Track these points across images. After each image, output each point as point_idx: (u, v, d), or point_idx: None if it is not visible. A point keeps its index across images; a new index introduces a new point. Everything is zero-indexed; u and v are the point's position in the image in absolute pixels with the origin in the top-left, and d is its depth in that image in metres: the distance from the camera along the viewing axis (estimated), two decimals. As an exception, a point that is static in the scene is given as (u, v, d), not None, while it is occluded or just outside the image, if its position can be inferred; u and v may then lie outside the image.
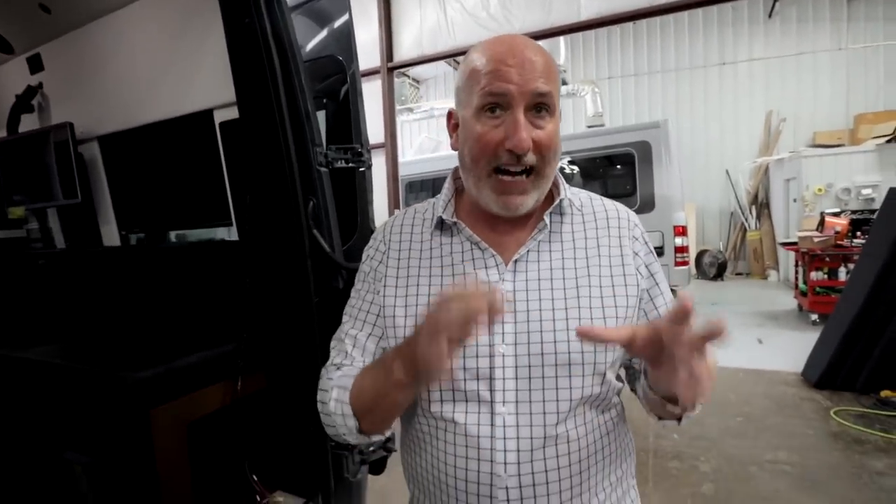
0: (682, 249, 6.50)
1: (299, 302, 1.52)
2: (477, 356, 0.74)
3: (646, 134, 6.65)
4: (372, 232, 1.77)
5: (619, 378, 0.83)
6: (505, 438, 0.73)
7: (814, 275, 6.10)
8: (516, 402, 0.73)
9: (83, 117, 2.36)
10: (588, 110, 9.09)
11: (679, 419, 0.74)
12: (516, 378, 0.74)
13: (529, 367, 0.73)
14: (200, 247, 2.33)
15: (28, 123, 2.57)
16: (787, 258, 8.66)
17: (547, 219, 0.79)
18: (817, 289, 6.07)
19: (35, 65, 2.48)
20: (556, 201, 0.81)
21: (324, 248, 1.49)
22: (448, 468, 0.76)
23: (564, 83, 9.29)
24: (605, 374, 0.76)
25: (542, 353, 0.73)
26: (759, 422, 3.60)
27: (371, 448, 1.65)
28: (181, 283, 2.09)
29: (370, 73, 6.71)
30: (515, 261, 0.78)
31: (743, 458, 3.11)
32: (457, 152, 0.82)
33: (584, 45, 11.39)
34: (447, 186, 0.88)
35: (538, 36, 6.19)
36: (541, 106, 0.73)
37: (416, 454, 0.83)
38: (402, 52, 6.94)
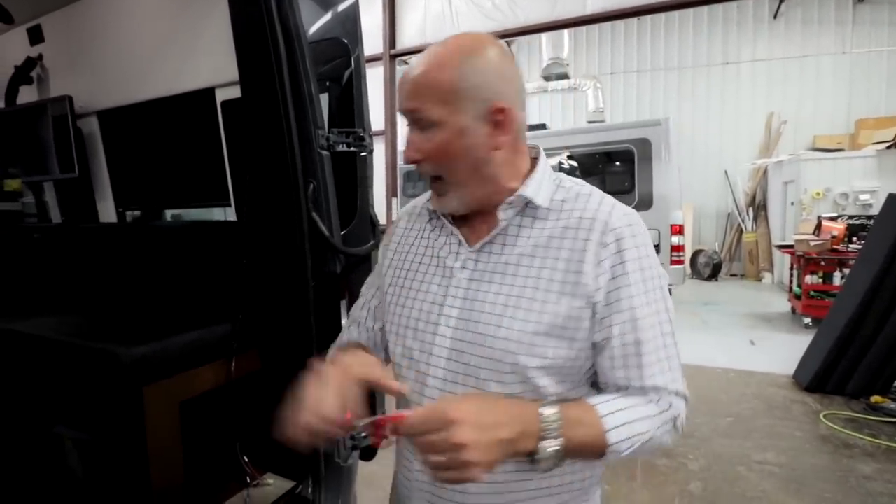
0: (677, 248, 6.51)
1: (296, 285, 1.51)
2: (425, 331, 0.82)
3: (646, 131, 6.63)
4: (371, 217, 1.77)
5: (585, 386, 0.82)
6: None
7: (808, 278, 6.13)
8: (444, 380, 0.80)
9: (83, 91, 2.33)
10: (589, 105, 9.06)
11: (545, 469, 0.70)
12: (448, 359, 0.79)
13: (461, 352, 0.78)
14: (198, 226, 2.31)
15: (27, 95, 2.53)
16: (783, 261, 8.70)
17: (502, 214, 0.80)
18: (811, 292, 6.10)
19: (35, 36, 2.45)
20: (513, 198, 0.79)
21: (322, 232, 1.48)
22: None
23: (566, 77, 9.25)
24: (534, 381, 0.75)
25: (474, 344, 0.77)
26: (749, 422, 3.64)
27: (363, 434, 1.65)
28: (177, 261, 2.07)
29: (372, 59, 6.66)
30: (477, 250, 0.82)
31: (731, 457, 3.14)
32: None
33: (588, 39, 11.33)
34: None
35: (542, 29, 6.16)
36: (417, 122, 0.78)
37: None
38: (405, 39, 6.89)
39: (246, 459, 1.64)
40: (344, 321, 1.57)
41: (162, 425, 1.49)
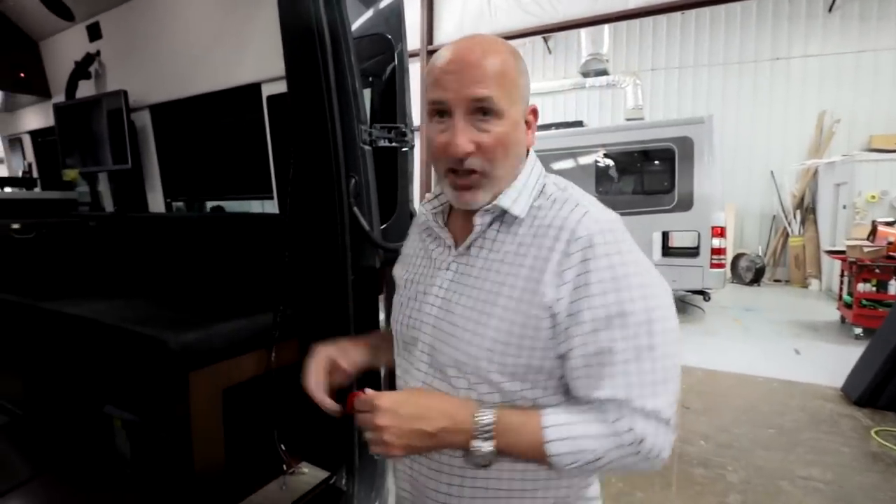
0: (718, 251, 6.31)
1: (335, 278, 1.53)
2: (411, 327, 0.86)
3: (688, 129, 6.44)
4: (410, 212, 1.78)
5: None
6: None
7: (861, 286, 5.83)
8: (426, 374, 0.83)
9: (137, 85, 2.42)
10: (628, 102, 8.86)
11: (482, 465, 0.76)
12: (430, 355, 0.83)
13: (437, 351, 0.81)
14: (243, 218, 2.37)
15: (85, 90, 2.65)
16: (832, 267, 8.31)
17: (478, 220, 0.80)
18: (864, 301, 5.80)
19: (94, 32, 2.56)
20: (490, 206, 0.79)
21: (363, 226, 1.49)
22: None
23: (605, 73, 9.07)
24: (500, 385, 0.76)
25: (446, 344, 0.80)
26: (793, 435, 3.49)
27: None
28: (223, 252, 2.13)
29: (409, 55, 6.69)
30: (458, 255, 0.84)
31: (773, 471, 3.02)
32: None
33: (629, 34, 11.06)
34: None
35: (582, 24, 6.04)
36: (483, 110, 0.74)
37: None
38: (443, 35, 6.88)
39: (283, 448, 1.68)
40: (381, 315, 1.59)
41: (206, 410, 1.54)
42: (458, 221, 0.87)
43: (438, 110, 0.76)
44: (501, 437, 0.71)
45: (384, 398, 0.73)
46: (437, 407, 0.74)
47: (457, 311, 0.79)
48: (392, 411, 0.72)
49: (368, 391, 0.76)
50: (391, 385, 0.95)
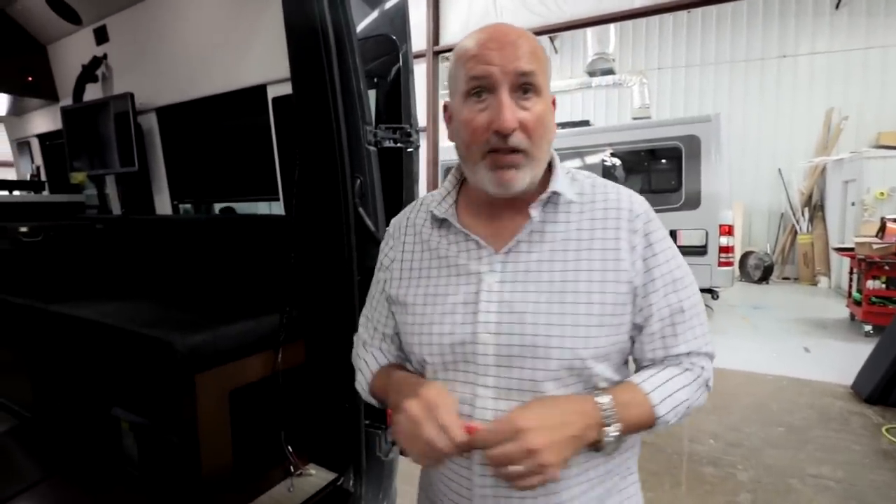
0: (726, 249, 6.27)
1: (341, 279, 1.53)
2: (463, 342, 0.78)
3: (695, 128, 6.41)
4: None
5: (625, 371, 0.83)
6: (484, 420, 0.76)
7: (870, 283, 5.78)
8: (497, 387, 0.76)
9: (143, 88, 2.44)
10: (634, 102, 8.82)
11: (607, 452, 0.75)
12: (498, 366, 0.76)
13: (510, 356, 0.75)
14: (248, 220, 2.38)
15: (92, 93, 2.67)
16: (841, 264, 8.24)
17: (534, 212, 0.78)
18: (873, 298, 5.75)
19: (101, 36, 2.58)
20: (543, 195, 0.78)
21: (368, 227, 1.49)
22: None
23: (612, 73, 9.04)
24: (588, 372, 0.76)
25: (522, 345, 0.75)
26: (803, 433, 3.46)
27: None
28: (229, 253, 2.14)
29: (415, 55, 6.68)
30: (506, 252, 0.79)
31: (783, 469, 3.00)
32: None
33: (635, 33, 11.02)
34: (449, 179, 0.89)
35: (588, 23, 6.02)
36: (526, 87, 0.73)
37: None
38: (449, 35, 6.88)
39: (290, 449, 1.68)
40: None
41: (212, 412, 1.54)
42: (478, 216, 0.83)
43: (479, 88, 0.73)
44: (623, 415, 0.71)
45: (524, 418, 0.66)
46: (567, 407, 0.70)
47: (527, 308, 0.75)
48: (542, 427, 0.65)
49: (478, 423, 0.69)
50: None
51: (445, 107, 0.83)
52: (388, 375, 0.89)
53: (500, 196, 0.77)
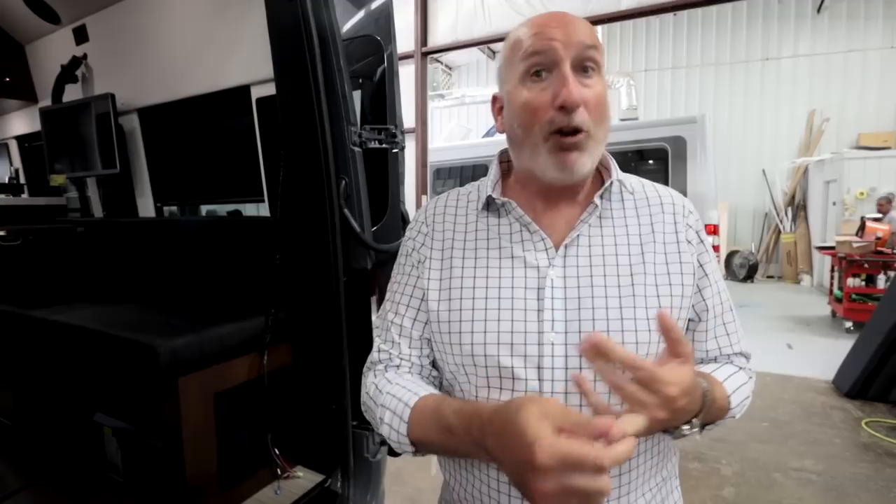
0: (712, 249, 6.36)
1: (327, 280, 1.53)
2: (525, 343, 0.70)
3: (681, 129, 6.48)
4: (402, 214, 1.77)
5: None
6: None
7: (850, 281, 5.89)
8: (565, 392, 0.69)
9: (124, 89, 2.41)
10: (622, 103, 8.89)
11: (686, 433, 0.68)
12: (566, 368, 0.69)
13: (580, 356, 0.68)
14: (233, 221, 2.36)
15: (72, 93, 2.63)
16: (823, 263, 8.39)
17: (598, 200, 0.74)
18: (853, 296, 5.86)
19: (80, 35, 2.54)
20: (608, 183, 0.76)
21: (353, 228, 1.49)
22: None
23: (599, 74, 9.09)
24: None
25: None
26: (786, 428, 3.52)
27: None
28: (213, 256, 2.12)
29: (403, 57, 6.67)
30: (566, 245, 0.73)
31: (767, 463, 3.04)
32: (503, 135, 0.79)
33: (622, 35, 11.12)
34: (494, 168, 0.84)
35: (575, 24, 6.07)
36: (588, 65, 0.70)
37: None
38: (437, 37, 6.88)
39: (277, 452, 1.67)
40: (374, 317, 1.58)
41: (197, 415, 1.53)
42: (526, 208, 0.77)
43: (539, 66, 0.70)
44: (709, 410, 0.66)
45: (674, 379, 0.56)
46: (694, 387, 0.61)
47: (597, 304, 0.70)
48: (683, 393, 0.58)
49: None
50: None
51: (495, 99, 0.80)
52: (437, 410, 0.70)
53: (560, 182, 0.72)
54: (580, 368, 0.69)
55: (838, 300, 6.20)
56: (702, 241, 0.79)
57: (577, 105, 0.67)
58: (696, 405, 0.63)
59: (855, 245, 5.93)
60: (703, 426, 0.67)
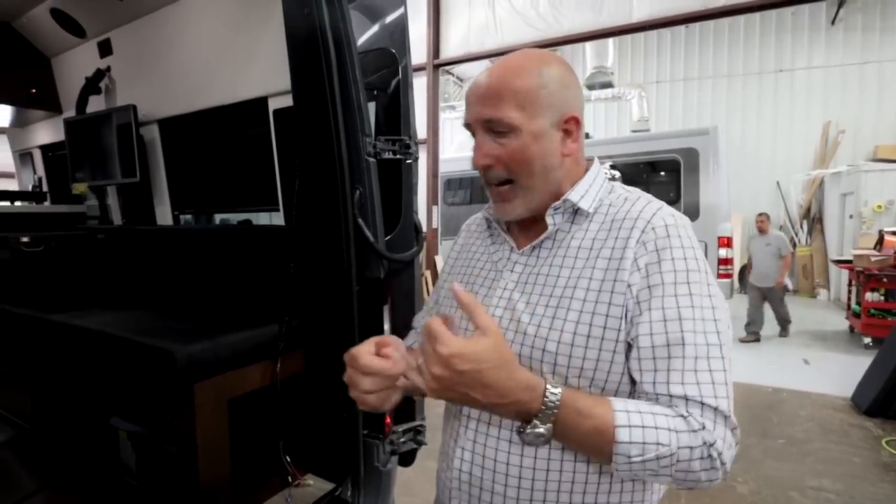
0: (725, 262, 6.29)
1: (340, 289, 1.54)
2: (467, 331, 0.82)
3: (694, 140, 6.46)
4: (415, 224, 1.79)
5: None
6: (467, 417, 0.82)
7: (869, 296, 5.79)
8: None
9: (146, 100, 2.46)
10: (633, 114, 8.89)
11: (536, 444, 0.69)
12: None
13: (509, 341, 0.78)
14: (248, 230, 2.39)
15: (95, 105, 2.69)
16: (840, 277, 8.25)
17: (549, 220, 0.81)
18: (872, 310, 5.76)
19: (105, 49, 2.61)
20: (558, 202, 0.81)
21: (367, 237, 1.51)
22: (445, 417, 0.92)
23: (611, 86, 9.11)
24: (570, 383, 0.73)
25: (521, 344, 0.77)
26: (803, 446, 3.45)
27: (402, 440, 1.67)
28: (228, 263, 2.15)
29: (415, 69, 6.74)
30: (522, 254, 0.85)
31: (784, 481, 2.98)
32: None
33: (633, 47, 11.13)
34: None
35: (587, 38, 6.10)
36: (498, 129, 0.78)
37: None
38: (449, 49, 6.95)
39: (288, 459, 1.67)
40: (386, 325, 1.59)
41: (211, 421, 1.54)
42: (515, 226, 0.90)
43: (469, 130, 0.83)
44: (563, 419, 0.65)
45: (473, 344, 0.62)
46: (517, 377, 0.65)
47: (526, 309, 0.79)
48: (472, 360, 0.61)
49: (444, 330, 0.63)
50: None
51: None
52: None
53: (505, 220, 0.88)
54: (518, 356, 0.76)
55: (856, 315, 6.09)
56: (660, 262, 0.72)
57: (479, 168, 0.82)
58: (534, 402, 0.65)
59: (873, 259, 5.84)
60: (556, 435, 0.66)
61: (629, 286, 0.71)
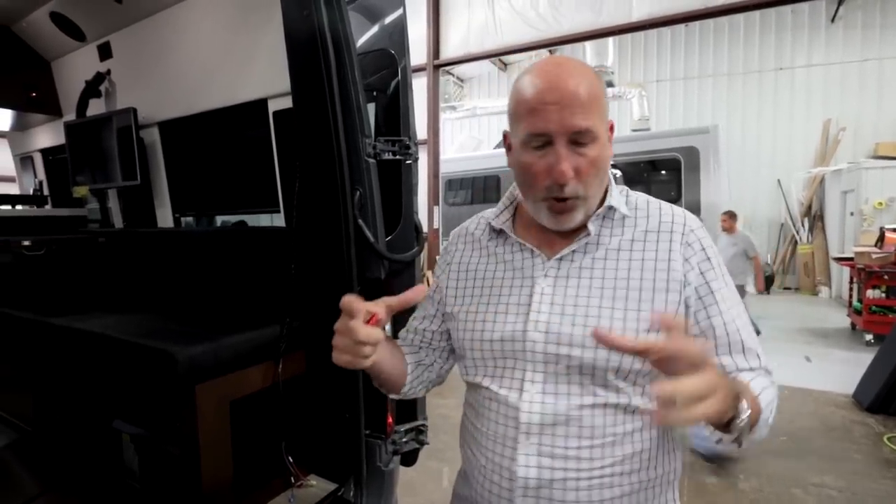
0: (722, 266, 6.28)
1: (341, 289, 1.54)
2: (513, 340, 0.82)
3: (694, 139, 6.47)
4: (415, 224, 1.79)
5: None
6: (531, 412, 0.80)
7: (870, 293, 5.79)
8: (543, 383, 0.81)
9: (146, 103, 2.47)
10: (634, 114, 8.89)
11: (728, 444, 0.71)
12: (545, 363, 0.81)
13: (557, 354, 0.79)
14: (249, 231, 2.40)
15: (95, 108, 2.70)
16: (841, 274, 8.25)
17: (591, 227, 0.83)
18: (873, 307, 5.76)
19: (105, 52, 2.61)
20: (601, 209, 0.84)
21: (367, 238, 1.51)
22: (481, 429, 0.87)
23: (611, 85, 9.11)
24: (632, 373, 0.78)
25: (571, 345, 0.78)
26: (805, 443, 3.45)
27: (404, 440, 1.67)
28: (229, 265, 2.15)
29: (416, 69, 6.74)
30: (559, 258, 0.84)
31: (786, 478, 2.98)
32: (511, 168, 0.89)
33: (633, 46, 11.14)
34: (507, 196, 0.96)
35: (586, 37, 6.10)
36: (586, 139, 0.77)
37: (466, 417, 0.95)
38: (449, 49, 6.95)
39: (291, 460, 1.68)
40: (387, 326, 1.59)
41: (213, 423, 1.55)
42: (530, 230, 0.90)
43: (538, 140, 0.77)
44: (744, 390, 0.69)
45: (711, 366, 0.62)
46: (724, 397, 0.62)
47: (577, 311, 0.79)
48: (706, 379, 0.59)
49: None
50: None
51: (505, 135, 0.88)
52: None
53: (557, 229, 0.84)
54: (556, 364, 0.80)
55: (858, 312, 6.09)
56: (707, 259, 0.81)
57: (567, 182, 0.77)
58: (733, 391, 0.66)
59: (874, 256, 5.84)
60: (750, 427, 0.68)
61: (686, 284, 0.79)
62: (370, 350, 0.76)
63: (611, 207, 0.84)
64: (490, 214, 0.96)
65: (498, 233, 0.93)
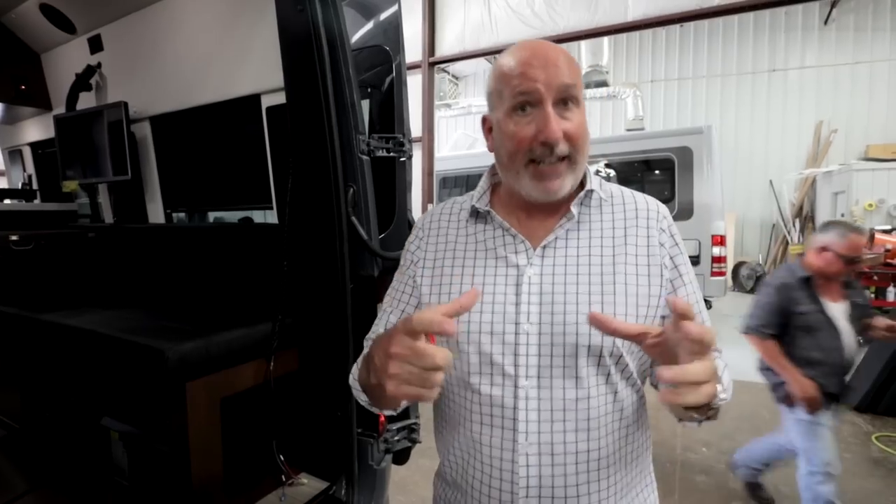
0: (719, 259, 6.32)
1: (334, 287, 1.53)
2: (504, 333, 0.79)
3: (688, 139, 6.48)
4: (409, 222, 1.79)
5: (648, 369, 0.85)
6: (527, 410, 0.78)
7: (860, 294, 5.84)
8: (538, 377, 0.78)
9: (137, 97, 2.44)
10: (628, 113, 8.91)
11: (698, 421, 0.68)
12: (539, 355, 0.78)
13: (552, 345, 0.78)
14: (241, 228, 2.38)
15: (85, 101, 2.67)
16: (831, 275, 8.31)
17: (574, 209, 0.83)
18: (863, 308, 5.81)
19: (95, 45, 2.58)
20: (583, 191, 0.84)
21: (361, 235, 1.50)
22: (474, 435, 0.83)
23: (605, 85, 9.13)
24: (623, 359, 0.79)
25: (565, 334, 0.78)
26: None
27: (396, 438, 1.66)
28: (221, 262, 2.14)
29: (411, 67, 6.72)
30: (544, 246, 0.82)
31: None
32: (493, 153, 0.88)
33: (628, 46, 11.16)
34: (484, 180, 0.94)
35: (582, 36, 6.10)
36: (567, 99, 0.78)
37: (446, 422, 0.90)
38: (444, 47, 6.93)
39: (282, 458, 1.67)
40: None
41: (203, 420, 1.53)
42: (510, 213, 0.87)
43: (524, 103, 0.78)
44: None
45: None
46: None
47: (570, 299, 0.78)
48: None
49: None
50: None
51: (485, 119, 0.89)
52: (364, 356, 0.81)
53: (542, 201, 0.82)
54: (550, 356, 0.78)
55: (847, 312, 6.14)
56: (676, 244, 0.85)
57: (557, 141, 0.77)
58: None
59: (864, 257, 5.89)
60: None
61: (664, 266, 0.83)
62: (441, 378, 0.61)
63: (590, 191, 0.85)
64: (465, 198, 0.94)
65: (478, 215, 0.89)
